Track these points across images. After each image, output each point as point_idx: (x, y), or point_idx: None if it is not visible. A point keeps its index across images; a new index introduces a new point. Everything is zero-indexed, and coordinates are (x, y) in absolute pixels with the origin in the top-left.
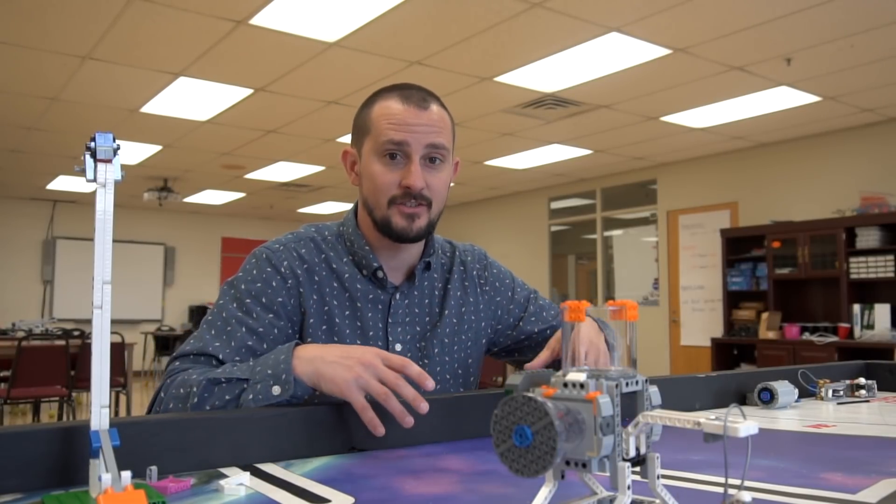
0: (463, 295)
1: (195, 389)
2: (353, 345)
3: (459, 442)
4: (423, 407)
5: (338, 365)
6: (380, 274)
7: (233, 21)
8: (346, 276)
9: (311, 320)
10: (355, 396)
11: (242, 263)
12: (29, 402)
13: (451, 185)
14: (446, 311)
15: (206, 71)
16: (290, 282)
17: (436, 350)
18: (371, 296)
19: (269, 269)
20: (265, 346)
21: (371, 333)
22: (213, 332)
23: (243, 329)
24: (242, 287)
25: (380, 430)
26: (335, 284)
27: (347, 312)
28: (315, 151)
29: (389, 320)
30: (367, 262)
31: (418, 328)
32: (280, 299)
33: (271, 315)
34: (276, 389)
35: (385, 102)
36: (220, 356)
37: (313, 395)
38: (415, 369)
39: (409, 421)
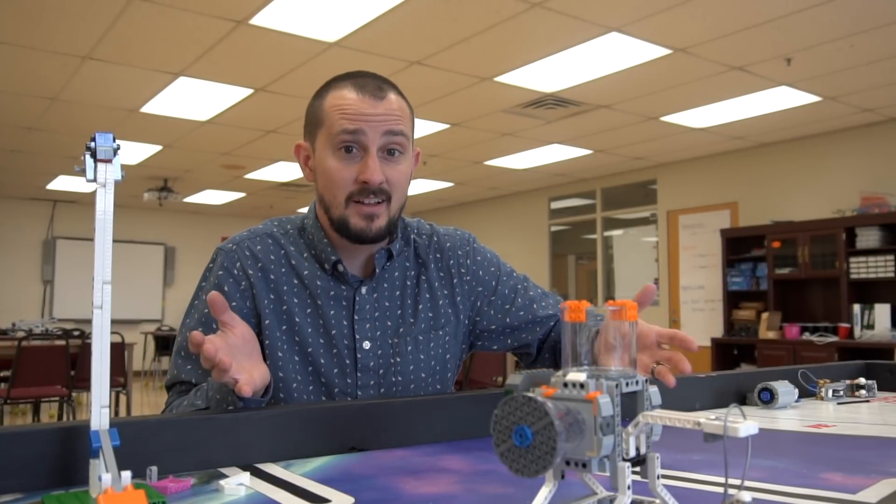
0: (439, 286)
1: None
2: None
3: (459, 442)
4: (226, 362)
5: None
6: (340, 268)
7: (233, 21)
8: (306, 272)
9: (267, 321)
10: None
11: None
12: (29, 402)
13: (412, 176)
14: (420, 305)
15: (206, 71)
16: (242, 284)
17: (409, 347)
18: (333, 292)
19: (220, 273)
20: None
21: (334, 332)
22: (182, 354)
23: None
24: (202, 296)
25: (243, 390)
26: (295, 282)
27: (309, 310)
28: None
29: (356, 317)
30: (326, 256)
31: (389, 323)
32: (234, 303)
33: None
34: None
35: (338, 92)
36: (194, 380)
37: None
38: (196, 339)
39: (226, 361)
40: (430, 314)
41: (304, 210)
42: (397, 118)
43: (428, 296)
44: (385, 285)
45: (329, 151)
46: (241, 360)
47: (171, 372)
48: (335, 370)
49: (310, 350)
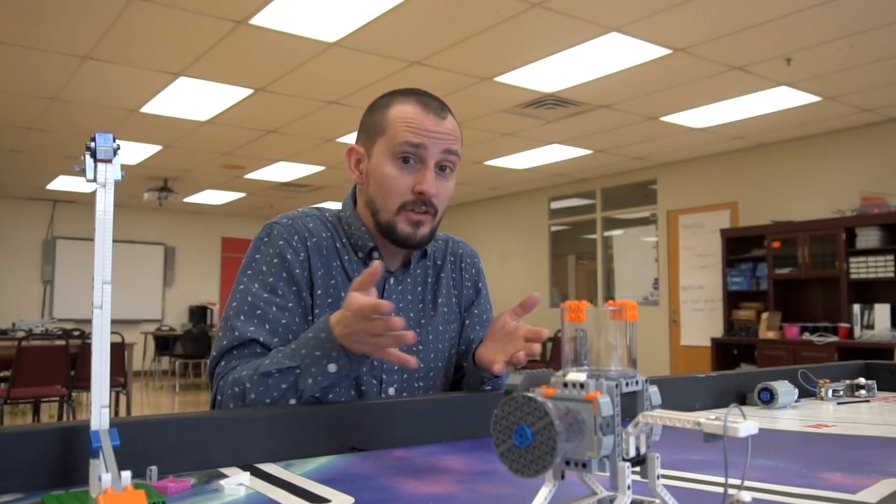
0: (451, 286)
1: (249, 385)
2: (336, 315)
3: (459, 442)
4: (410, 336)
5: (356, 344)
6: (375, 255)
7: (233, 21)
8: (346, 256)
9: (319, 291)
10: (382, 357)
11: (252, 242)
12: (29, 402)
13: None
14: (440, 300)
15: (206, 71)
16: (301, 254)
17: (430, 337)
18: None
19: (281, 243)
20: (297, 318)
21: None
22: (242, 317)
23: (273, 308)
24: (263, 268)
25: (411, 362)
26: (337, 262)
27: (347, 290)
28: (315, 151)
29: None
30: (363, 242)
31: (412, 314)
32: (297, 270)
33: (294, 287)
34: (333, 367)
35: (403, 106)
36: (262, 339)
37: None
38: (385, 307)
39: (410, 335)
40: (445, 309)
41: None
42: (454, 139)
43: (444, 291)
44: (408, 280)
45: (387, 159)
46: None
47: (230, 335)
48: None
49: None
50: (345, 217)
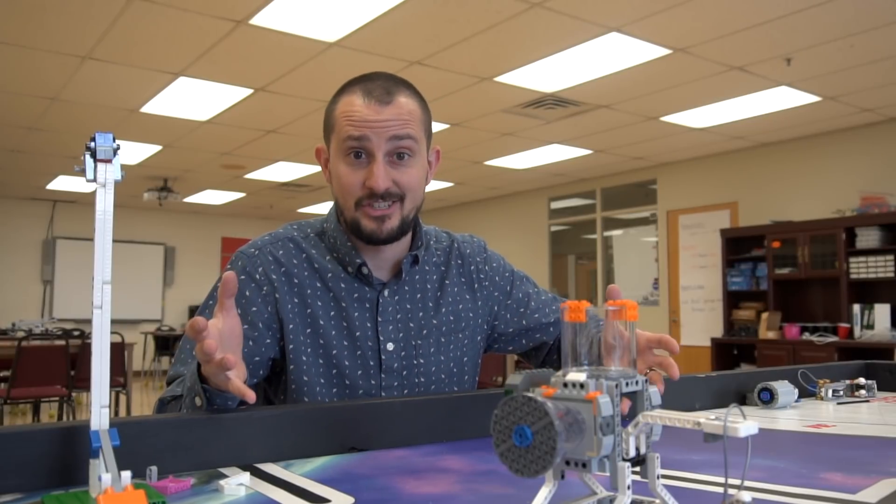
0: (460, 291)
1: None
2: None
3: (459, 442)
4: (229, 362)
5: (212, 376)
6: (364, 270)
7: (233, 21)
8: (329, 274)
9: (291, 326)
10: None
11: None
12: (29, 402)
13: (431, 176)
14: (443, 308)
15: (206, 71)
16: (265, 289)
17: (431, 349)
18: (356, 294)
19: (242, 278)
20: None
21: (358, 333)
22: (183, 355)
23: None
24: (217, 295)
25: (249, 396)
26: (318, 284)
27: (332, 313)
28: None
29: (379, 319)
30: (351, 258)
31: (411, 325)
32: (255, 308)
33: (246, 326)
34: (198, 400)
35: (348, 98)
36: None
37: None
38: (198, 324)
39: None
40: (451, 318)
41: (306, 210)
42: (404, 122)
43: (450, 299)
44: (406, 288)
45: (340, 156)
46: (226, 352)
47: (176, 367)
48: (359, 372)
49: (334, 353)
50: (329, 230)
